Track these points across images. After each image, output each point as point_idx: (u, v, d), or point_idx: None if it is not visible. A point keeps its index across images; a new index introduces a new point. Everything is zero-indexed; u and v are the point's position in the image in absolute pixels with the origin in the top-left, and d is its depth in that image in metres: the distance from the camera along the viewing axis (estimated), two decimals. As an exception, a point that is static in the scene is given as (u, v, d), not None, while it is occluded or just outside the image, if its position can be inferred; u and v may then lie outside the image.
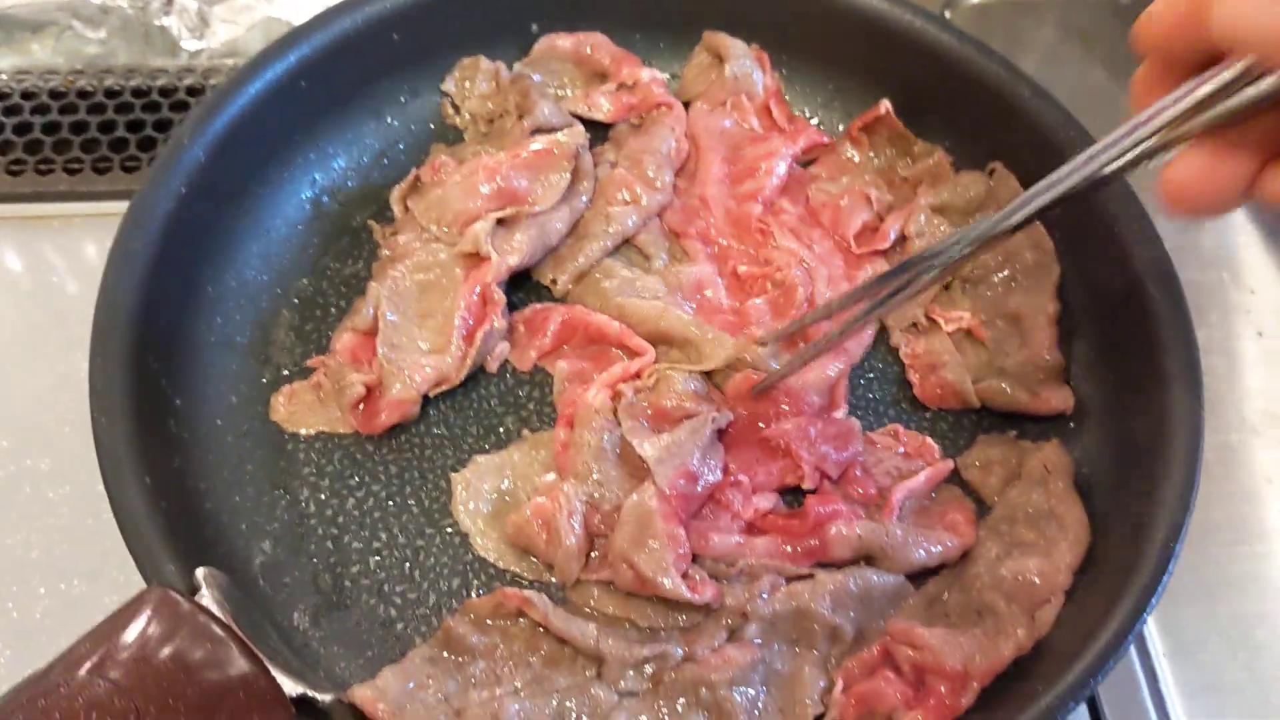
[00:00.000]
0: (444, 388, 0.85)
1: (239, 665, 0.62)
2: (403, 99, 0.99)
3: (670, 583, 0.74)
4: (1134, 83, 0.62)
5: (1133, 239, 0.85)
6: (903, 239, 0.93)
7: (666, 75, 1.02)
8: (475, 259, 0.87)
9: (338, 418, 0.84)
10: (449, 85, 1.00)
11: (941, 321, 0.90)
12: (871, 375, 0.89)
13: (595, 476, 0.79)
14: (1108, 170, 0.64)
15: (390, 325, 0.85)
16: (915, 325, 0.90)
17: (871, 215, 0.94)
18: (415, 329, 0.85)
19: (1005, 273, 0.91)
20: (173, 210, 0.82)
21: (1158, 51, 0.59)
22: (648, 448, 0.78)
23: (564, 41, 1.00)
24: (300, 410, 0.85)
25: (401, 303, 0.86)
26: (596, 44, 1.00)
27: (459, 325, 0.85)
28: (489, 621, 0.75)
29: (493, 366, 0.87)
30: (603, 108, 0.99)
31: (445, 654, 0.74)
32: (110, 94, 1.13)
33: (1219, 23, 0.53)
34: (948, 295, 0.92)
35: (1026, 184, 0.90)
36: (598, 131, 0.99)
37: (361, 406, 0.83)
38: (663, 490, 0.76)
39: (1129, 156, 0.63)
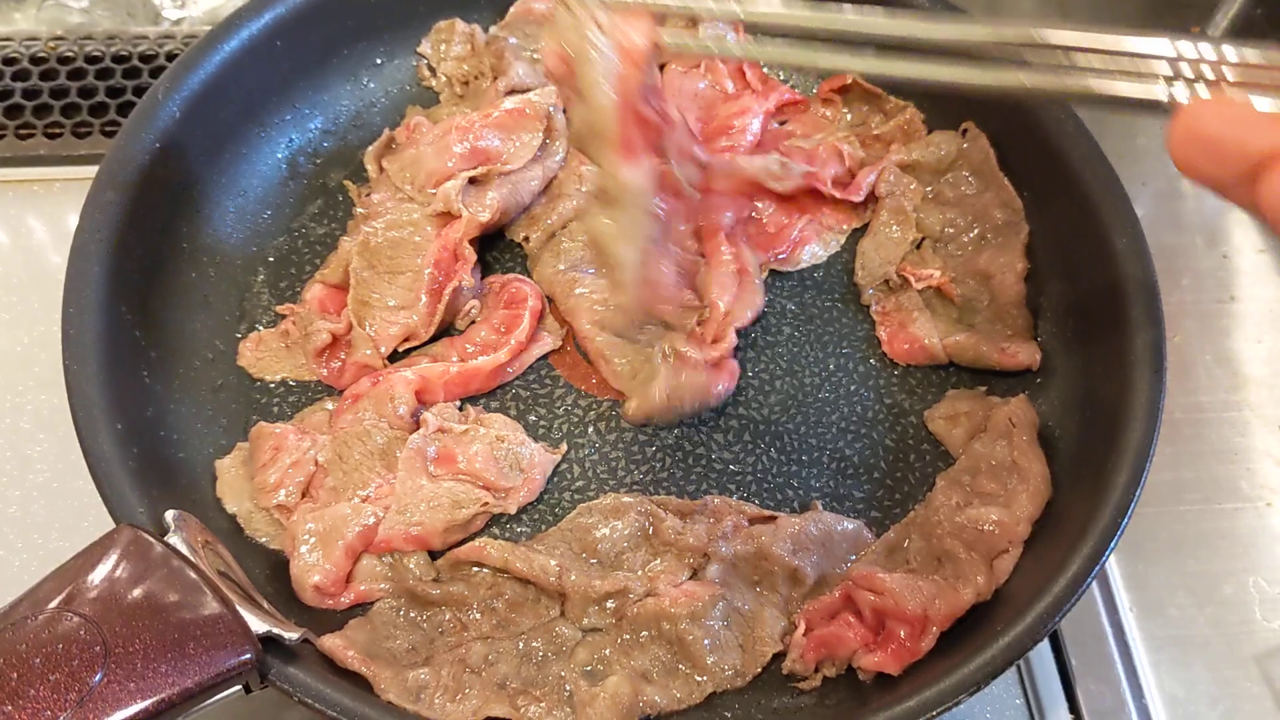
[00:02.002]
0: (412, 344, 0.86)
1: (206, 603, 0.62)
2: (379, 61, 0.99)
3: None
4: None
5: (1100, 198, 0.85)
6: (874, 197, 0.94)
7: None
8: (447, 217, 0.88)
9: (303, 365, 0.85)
10: (425, 48, 1.00)
11: (912, 279, 0.90)
12: (843, 331, 0.90)
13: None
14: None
15: (361, 281, 0.85)
16: (887, 283, 0.91)
17: (843, 170, 0.94)
18: (385, 285, 0.86)
19: (975, 232, 0.92)
20: (147, 165, 0.82)
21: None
22: None
23: (539, 4, 1.00)
24: (267, 356, 0.85)
25: (373, 259, 0.86)
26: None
27: (428, 281, 0.85)
28: (448, 574, 0.76)
29: (462, 324, 0.88)
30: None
31: (408, 607, 0.75)
32: (91, 59, 1.13)
33: None
34: (918, 254, 0.92)
35: (996, 144, 0.92)
36: (573, 94, 1.00)
37: (326, 354, 0.84)
38: None
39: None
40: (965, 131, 0.94)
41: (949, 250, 0.92)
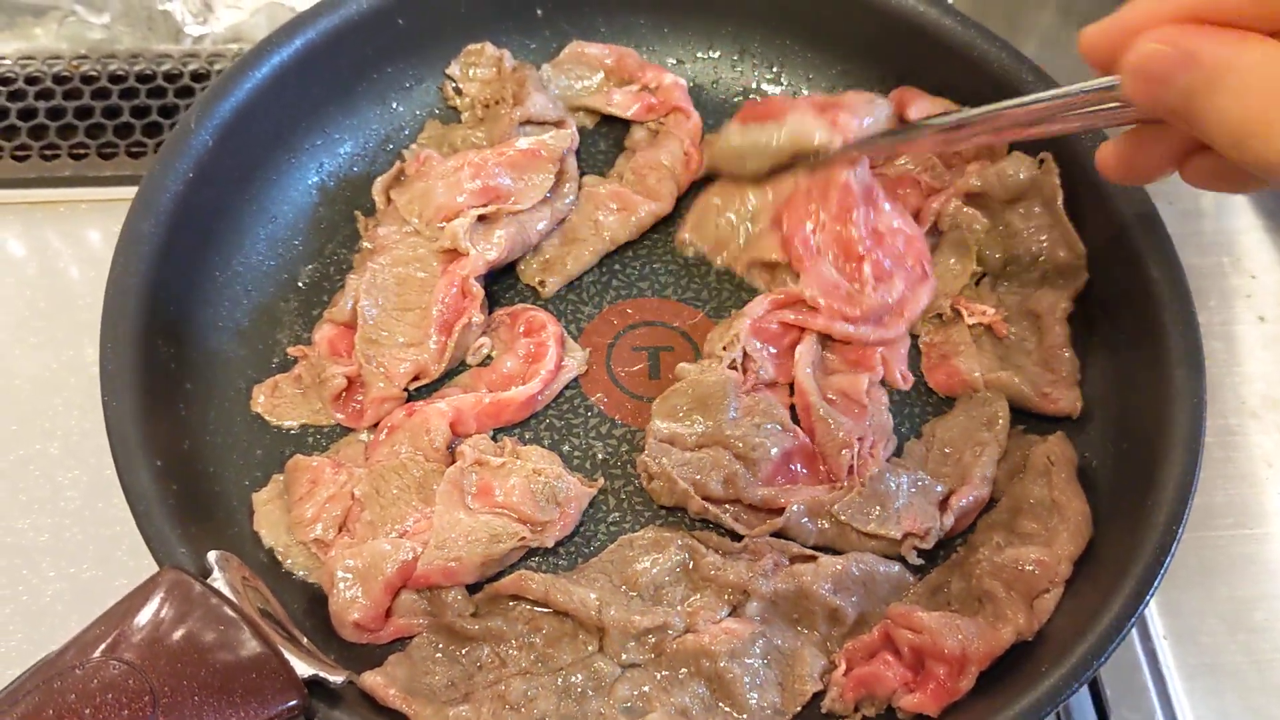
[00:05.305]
0: (423, 381, 0.85)
1: (251, 647, 0.62)
2: (408, 85, 0.99)
3: None
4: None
5: (1134, 224, 0.85)
6: (937, 230, 0.93)
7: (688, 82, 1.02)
8: (454, 254, 0.87)
9: (320, 410, 0.84)
10: (454, 69, 0.99)
11: (965, 313, 0.90)
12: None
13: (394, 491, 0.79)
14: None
15: (368, 320, 0.85)
16: (940, 316, 0.90)
17: (919, 198, 0.93)
18: (394, 323, 0.86)
19: (1037, 272, 0.90)
20: (180, 194, 0.82)
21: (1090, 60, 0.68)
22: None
23: (592, 49, 1.00)
24: (282, 404, 0.85)
25: (380, 296, 0.86)
26: (624, 55, 1.00)
27: (436, 318, 0.85)
28: (486, 609, 0.76)
29: (472, 360, 0.88)
30: (620, 104, 0.98)
31: (447, 642, 0.75)
32: (115, 79, 1.13)
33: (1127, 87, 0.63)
34: (976, 290, 0.92)
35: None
36: (616, 127, 1.00)
37: (343, 398, 0.84)
38: None
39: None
40: (1043, 161, 0.91)
41: (1009, 288, 0.91)
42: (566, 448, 0.84)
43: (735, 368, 0.84)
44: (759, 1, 1.02)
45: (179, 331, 0.82)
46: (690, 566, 0.78)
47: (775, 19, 1.02)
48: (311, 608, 0.76)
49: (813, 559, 0.77)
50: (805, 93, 1.03)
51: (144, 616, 0.62)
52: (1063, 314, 0.88)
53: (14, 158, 1.08)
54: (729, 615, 0.75)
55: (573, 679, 0.73)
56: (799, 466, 0.82)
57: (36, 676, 0.59)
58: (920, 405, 0.88)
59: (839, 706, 0.73)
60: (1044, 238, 0.90)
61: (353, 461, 0.81)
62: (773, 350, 0.86)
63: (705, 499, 0.80)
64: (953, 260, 0.92)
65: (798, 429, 0.83)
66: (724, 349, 0.85)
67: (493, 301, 0.90)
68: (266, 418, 0.84)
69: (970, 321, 0.89)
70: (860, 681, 0.73)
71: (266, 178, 0.91)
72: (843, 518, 0.78)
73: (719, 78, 1.04)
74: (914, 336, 0.91)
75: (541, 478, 0.79)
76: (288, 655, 0.63)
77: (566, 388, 0.87)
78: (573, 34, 1.01)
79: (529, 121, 0.95)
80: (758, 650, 0.74)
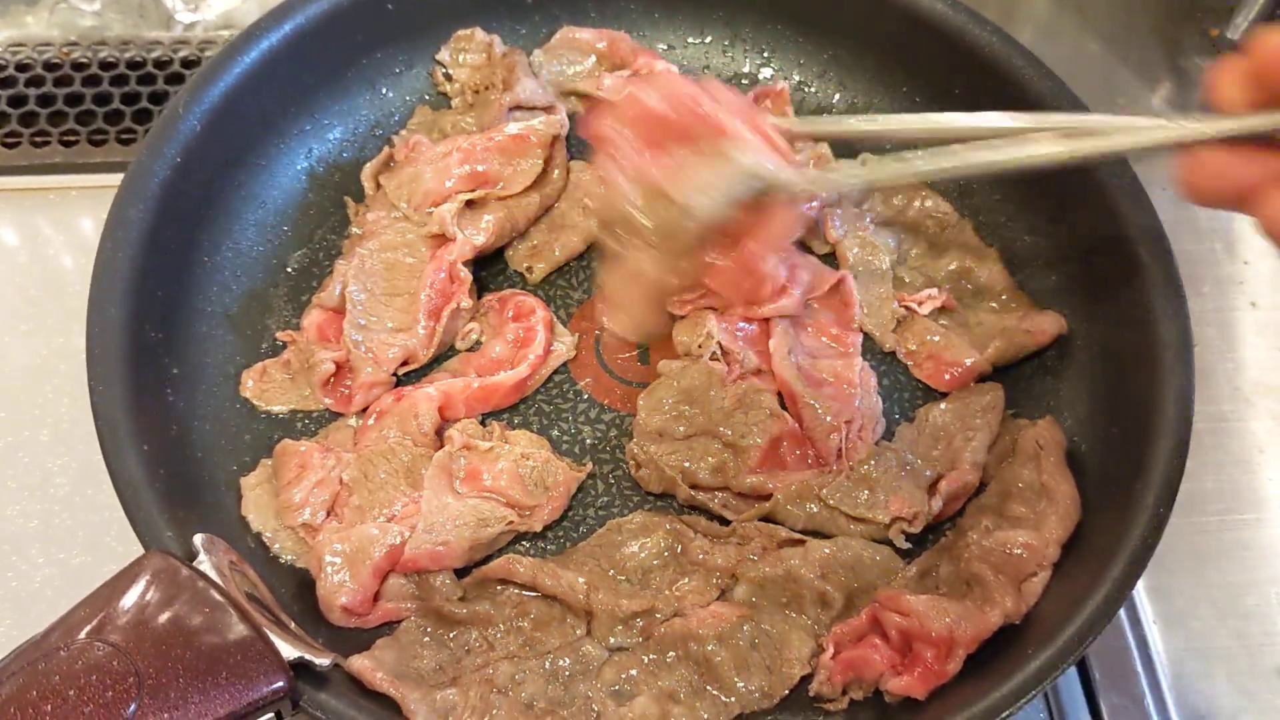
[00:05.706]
0: (412, 366, 0.85)
1: (237, 630, 0.62)
2: (398, 70, 0.99)
3: None
4: (1219, 73, 0.60)
5: (1126, 208, 0.85)
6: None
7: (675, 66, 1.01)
8: (442, 239, 0.88)
9: (308, 395, 0.84)
10: (444, 55, 0.99)
11: (916, 307, 0.90)
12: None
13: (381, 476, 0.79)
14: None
15: (357, 305, 0.85)
16: (898, 322, 0.90)
17: None
18: (382, 308, 0.86)
19: (923, 245, 0.94)
20: (168, 179, 0.82)
21: (1261, 74, 0.58)
22: None
23: (583, 34, 1.00)
24: (271, 389, 0.85)
25: (369, 281, 0.86)
26: (617, 39, 1.00)
27: (424, 303, 0.85)
28: (474, 593, 0.76)
29: (461, 345, 0.88)
30: (611, 89, 0.97)
31: (435, 625, 0.75)
32: (105, 66, 1.13)
33: None
34: (898, 279, 0.92)
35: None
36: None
37: (332, 383, 0.84)
38: None
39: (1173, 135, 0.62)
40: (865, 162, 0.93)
41: (907, 268, 0.93)
42: (555, 432, 0.84)
43: (717, 360, 0.84)
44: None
45: (167, 316, 0.82)
46: (678, 551, 0.78)
47: (766, 5, 1.02)
48: (300, 592, 0.76)
49: (801, 543, 0.77)
50: (796, 79, 1.02)
51: (129, 599, 0.62)
52: (997, 257, 0.91)
53: (4, 145, 1.07)
54: (717, 599, 0.76)
55: (560, 662, 0.73)
56: (787, 451, 0.82)
57: (21, 658, 0.59)
58: (911, 391, 0.88)
59: (827, 690, 0.73)
60: (914, 215, 0.95)
61: (341, 446, 0.81)
62: (740, 332, 0.86)
63: (694, 487, 0.80)
64: (868, 259, 0.92)
65: (786, 414, 0.83)
66: (699, 347, 0.84)
67: (481, 287, 0.90)
68: (255, 403, 0.84)
69: (925, 312, 0.89)
70: (848, 665, 0.73)
71: (256, 163, 0.91)
72: (831, 501, 0.78)
73: (710, 63, 1.03)
74: (891, 354, 0.90)
75: (530, 462, 0.79)
76: (274, 638, 0.63)
77: (555, 373, 0.87)
78: (563, 19, 1.01)
79: (518, 107, 0.95)
80: (745, 634, 0.74)
